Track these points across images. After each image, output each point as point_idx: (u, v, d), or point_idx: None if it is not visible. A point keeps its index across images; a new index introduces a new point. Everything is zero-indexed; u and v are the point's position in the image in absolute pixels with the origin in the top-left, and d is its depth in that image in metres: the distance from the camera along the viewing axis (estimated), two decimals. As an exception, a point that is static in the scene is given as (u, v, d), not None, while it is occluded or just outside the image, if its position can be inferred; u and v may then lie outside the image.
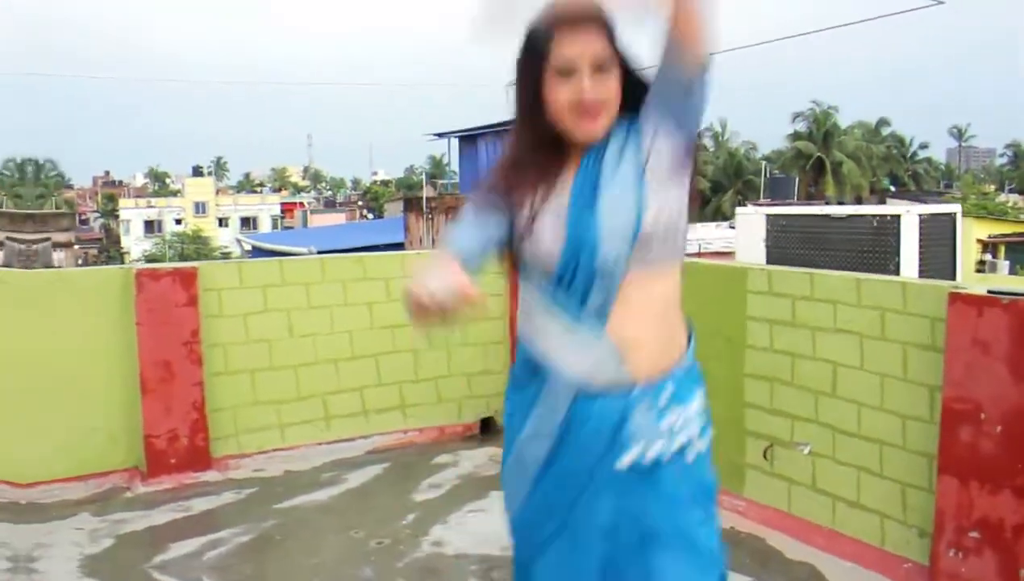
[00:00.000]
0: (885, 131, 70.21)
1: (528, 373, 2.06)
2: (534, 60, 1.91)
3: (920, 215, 6.53)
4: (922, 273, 6.48)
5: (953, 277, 6.89)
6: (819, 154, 56.38)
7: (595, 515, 1.95)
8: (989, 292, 3.26)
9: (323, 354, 5.41)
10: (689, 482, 1.96)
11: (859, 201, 54.32)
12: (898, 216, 6.52)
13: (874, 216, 6.79)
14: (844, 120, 61.90)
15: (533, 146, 1.99)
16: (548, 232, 1.94)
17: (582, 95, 1.87)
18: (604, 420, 1.94)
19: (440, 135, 22.89)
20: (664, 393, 1.94)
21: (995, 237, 34.75)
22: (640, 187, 1.90)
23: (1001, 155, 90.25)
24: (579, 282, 1.92)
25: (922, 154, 75.70)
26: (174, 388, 4.94)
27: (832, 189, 55.30)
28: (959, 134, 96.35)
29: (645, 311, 1.94)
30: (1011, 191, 69.84)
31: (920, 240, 6.45)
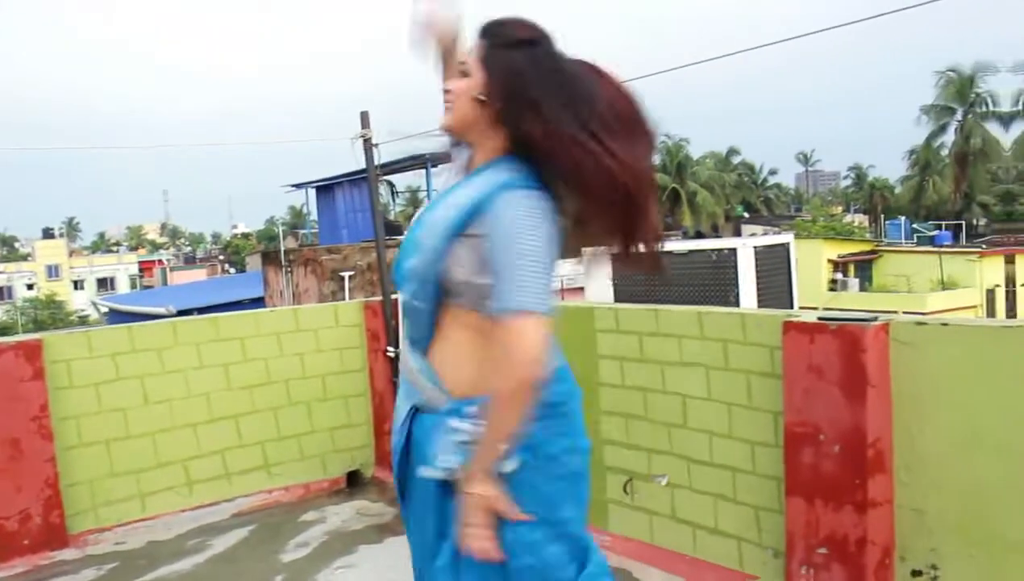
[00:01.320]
0: (735, 160, 73.09)
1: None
2: None
3: (755, 247, 6.84)
4: (761, 303, 6.77)
5: (791, 305, 7.22)
6: (674, 185, 58.21)
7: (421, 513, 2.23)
8: (819, 319, 3.44)
9: (180, 419, 5.27)
10: None
11: (715, 229, 56.28)
12: (735, 249, 6.81)
13: (712, 251, 7.06)
14: (695, 151, 64.18)
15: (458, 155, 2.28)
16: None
17: (443, 90, 2.15)
18: (423, 431, 2.15)
19: (297, 186, 22.63)
20: (468, 410, 2.05)
21: (844, 257, 36.48)
22: (449, 236, 2.05)
23: (845, 177, 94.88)
24: (404, 305, 2.21)
25: (772, 180, 79.07)
26: (24, 466, 4.71)
27: (689, 218, 57.13)
28: (805, 160, 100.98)
29: (460, 340, 2.10)
30: (856, 211, 73.47)
31: (756, 271, 6.75)
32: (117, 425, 5.06)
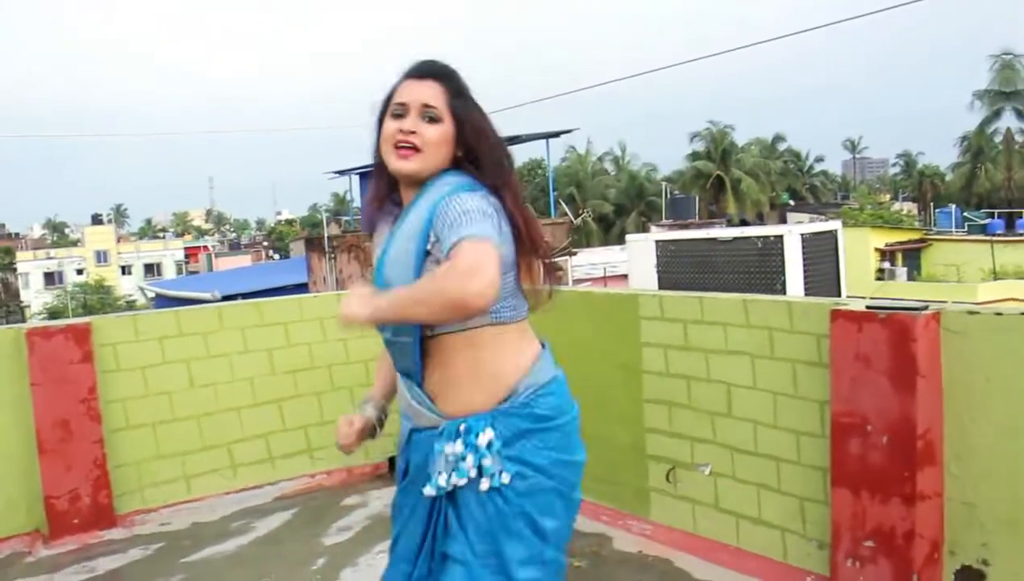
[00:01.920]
0: (781, 146, 72.19)
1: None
2: (382, 105, 2.19)
3: (802, 234, 6.73)
4: (808, 290, 6.66)
5: (838, 292, 7.11)
6: (718, 173, 57.63)
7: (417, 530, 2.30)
8: (867, 307, 3.38)
9: (225, 402, 5.32)
10: (488, 512, 2.11)
11: (760, 217, 55.70)
12: (781, 237, 6.71)
13: (758, 238, 6.96)
14: (740, 138, 63.52)
15: (380, 190, 2.28)
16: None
17: (399, 129, 2.12)
18: (421, 451, 2.25)
19: (340, 172, 22.74)
20: (459, 427, 2.12)
21: (892, 245, 35.93)
22: (418, 260, 2.11)
23: (893, 165, 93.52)
24: (386, 342, 2.29)
25: (818, 167, 77.99)
26: (73, 447, 4.79)
27: (733, 206, 56.55)
28: (852, 147, 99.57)
29: (450, 364, 2.17)
30: (905, 199, 72.40)
31: (804, 258, 6.64)
32: (163, 408, 5.13)
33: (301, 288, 15.97)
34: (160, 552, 4.64)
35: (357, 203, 23.87)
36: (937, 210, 53.59)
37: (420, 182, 2.17)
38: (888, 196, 75.67)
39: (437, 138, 2.13)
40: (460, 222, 1.96)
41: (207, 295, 17.85)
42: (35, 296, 62.21)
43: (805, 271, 6.66)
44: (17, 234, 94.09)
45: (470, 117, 2.17)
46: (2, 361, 4.72)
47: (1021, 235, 38.33)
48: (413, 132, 2.12)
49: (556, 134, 19.97)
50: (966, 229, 44.38)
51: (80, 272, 65.02)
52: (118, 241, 73.87)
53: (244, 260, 57.41)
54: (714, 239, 7.30)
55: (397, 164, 2.14)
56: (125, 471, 5.00)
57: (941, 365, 3.27)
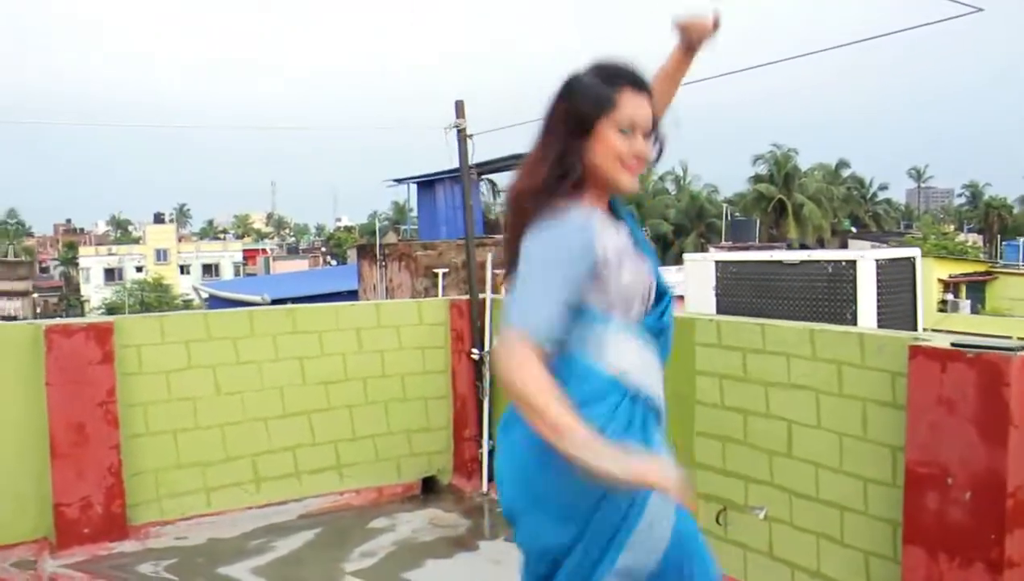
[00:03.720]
0: (845, 173, 70.91)
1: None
2: (595, 110, 2.03)
3: (877, 260, 6.29)
4: (881, 322, 6.22)
5: (914, 325, 6.66)
6: (780, 196, 56.72)
7: None
8: (953, 345, 3.00)
9: (252, 412, 5.07)
10: None
11: (821, 243, 54.74)
12: (854, 262, 6.26)
13: (828, 262, 6.52)
14: (804, 162, 62.47)
15: (569, 172, 2.07)
16: (644, 268, 2.14)
17: (637, 151, 2.06)
18: None
19: (399, 181, 22.56)
20: None
21: (956, 277, 34.98)
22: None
23: (959, 195, 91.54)
24: (662, 330, 2.17)
25: (882, 195, 76.52)
26: (88, 452, 4.56)
27: (794, 231, 55.60)
28: (918, 175, 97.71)
29: None
30: (970, 231, 70.73)
31: (878, 287, 6.20)
32: (186, 415, 4.89)
33: (352, 295, 15.82)
34: (171, 569, 4.39)
35: (415, 212, 23.71)
36: (1004, 243, 52.16)
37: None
38: (952, 226, 74.01)
39: (645, 154, 2.12)
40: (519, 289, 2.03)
41: (257, 298, 17.79)
42: (95, 291, 63.07)
43: (879, 301, 6.21)
44: (82, 230, 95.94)
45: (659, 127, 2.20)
46: (20, 358, 4.52)
47: (1092, 272, 37.10)
48: (643, 156, 2.09)
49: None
50: (1033, 263, 43.10)
51: (140, 269, 65.87)
52: (179, 240, 74.75)
53: (301, 264, 57.73)
54: (779, 262, 6.88)
55: (630, 184, 2.10)
56: (142, 479, 4.76)
57: (1036, 414, 2.88)
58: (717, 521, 4.01)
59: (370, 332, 5.45)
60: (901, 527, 3.21)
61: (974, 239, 62.94)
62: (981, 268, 37.12)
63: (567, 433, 1.79)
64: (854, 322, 6.13)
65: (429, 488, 5.60)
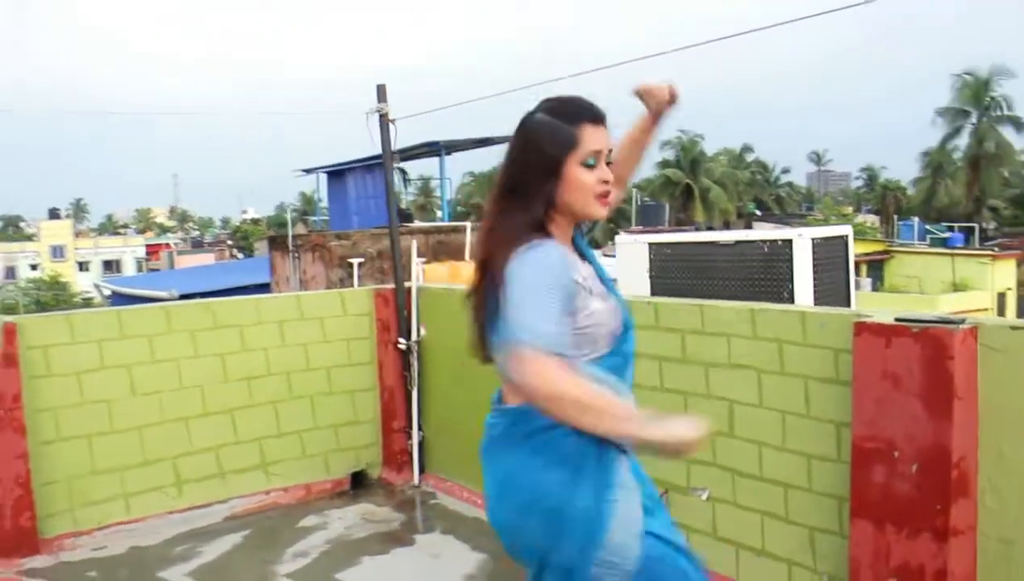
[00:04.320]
0: (749, 157, 72.40)
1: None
2: (561, 151, 2.11)
3: (813, 239, 6.34)
4: (818, 300, 6.27)
5: (848, 302, 6.75)
6: (688, 181, 57.60)
7: None
8: (897, 320, 3.00)
9: (171, 412, 4.85)
10: None
11: (727, 225, 55.72)
12: (790, 241, 6.29)
13: (764, 242, 6.54)
14: (710, 148, 63.52)
15: (537, 218, 2.14)
16: (610, 303, 2.21)
17: (604, 177, 2.15)
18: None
19: (308, 171, 22.14)
20: None
21: (857, 256, 35.92)
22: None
23: (857, 178, 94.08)
24: (627, 358, 2.24)
25: (784, 179, 78.30)
26: (-8, 462, 4.30)
27: (701, 215, 56.55)
28: (818, 159, 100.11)
29: None
30: (868, 212, 72.80)
31: (814, 265, 6.25)
32: (100, 418, 4.65)
33: (263, 288, 15.41)
34: (91, 582, 4.16)
35: (325, 202, 23.32)
36: (900, 223, 53.86)
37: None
38: (851, 208, 76.05)
39: (610, 177, 2.20)
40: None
41: (164, 294, 17.26)
42: (-15, 292, 60.65)
43: (815, 279, 6.26)
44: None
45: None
46: (-83, 363, 4.22)
47: (982, 249, 38.55)
48: (610, 180, 2.17)
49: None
50: (928, 242, 44.59)
51: (34, 267, 63.47)
52: (76, 236, 72.30)
53: (207, 259, 56.26)
54: (715, 242, 6.88)
55: (602, 212, 2.19)
56: (54, 489, 4.51)
57: (978, 386, 2.90)
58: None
59: (293, 325, 5.27)
60: (847, 502, 3.20)
61: (872, 220, 64.76)
62: (880, 247, 38.23)
63: (612, 411, 1.90)
64: (791, 300, 6.17)
65: (358, 483, 5.45)
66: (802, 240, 6.31)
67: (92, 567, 4.29)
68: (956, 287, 32.53)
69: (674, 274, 6.93)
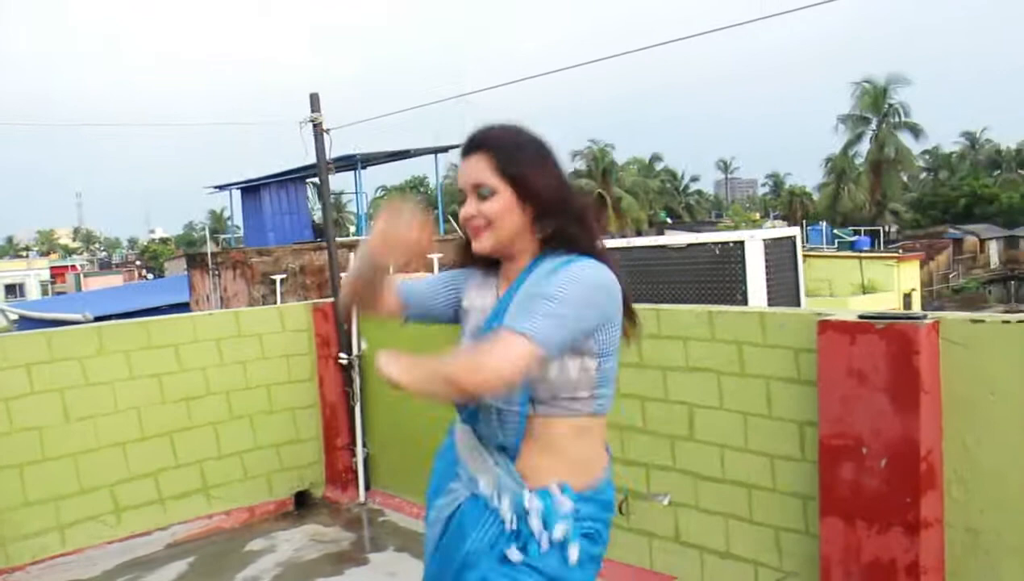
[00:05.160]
0: (658, 166, 73.50)
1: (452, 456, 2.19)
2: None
3: (764, 240, 6.39)
4: (771, 301, 6.33)
5: (798, 302, 6.83)
6: (600, 190, 58.16)
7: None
8: (861, 317, 3.02)
9: (107, 437, 4.66)
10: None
11: (639, 234, 56.43)
12: (742, 242, 6.35)
13: (715, 244, 6.58)
14: (620, 157, 64.28)
15: (470, 258, 2.15)
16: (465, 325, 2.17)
17: (462, 215, 2.06)
18: (471, 515, 2.08)
19: (221, 187, 21.74)
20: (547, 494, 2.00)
21: (768, 261, 36.68)
22: None
23: (763, 185, 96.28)
24: (485, 409, 2.03)
25: (693, 187, 79.74)
26: (-83, 496, 4.07)
27: (614, 224, 57.13)
28: (725, 167, 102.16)
29: (548, 445, 2.01)
30: (776, 217, 74.52)
31: (767, 266, 6.31)
32: (31, 446, 4.45)
33: (182, 308, 14.99)
34: (30, 617, 3.96)
35: (237, 219, 22.90)
36: (808, 227, 55.27)
37: (513, 255, 2.07)
38: (759, 214, 77.72)
39: (497, 211, 2.01)
40: (529, 308, 1.85)
41: (78, 316, 16.67)
42: None
43: (768, 280, 6.31)
44: None
45: (525, 176, 2.02)
46: None
47: (887, 252, 39.78)
48: (473, 216, 2.04)
49: (445, 149, 19.48)
50: (836, 246, 45.82)
51: (-69, 295, 60.91)
52: (-26, 262, 69.69)
53: (116, 280, 54.70)
54: (664, 246, 6.89)
55: (475, 246, 2.07)
56: (-15, 522, 4.28)
57: (940, 380, 2.94)
58: (620, 511, 3.94)
59: (231, 342, 5.12)
60: (814, 500, 3.23)
61: (780, 225, 66.27)
62: (788, 251, 39.10)
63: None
64: (745, 302, 6.22)
65: (302, 503, 5.32)
66: (754, 242, 6.37)
67: (30, 604, 4.09)
68: (865, 289, 33.48)
69: (623, 279, 6.84)
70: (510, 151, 2.03)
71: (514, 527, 2.00)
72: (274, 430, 5.25)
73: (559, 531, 1.97)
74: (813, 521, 3.26)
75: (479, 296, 2.16)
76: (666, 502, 3.79)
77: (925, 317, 2.95)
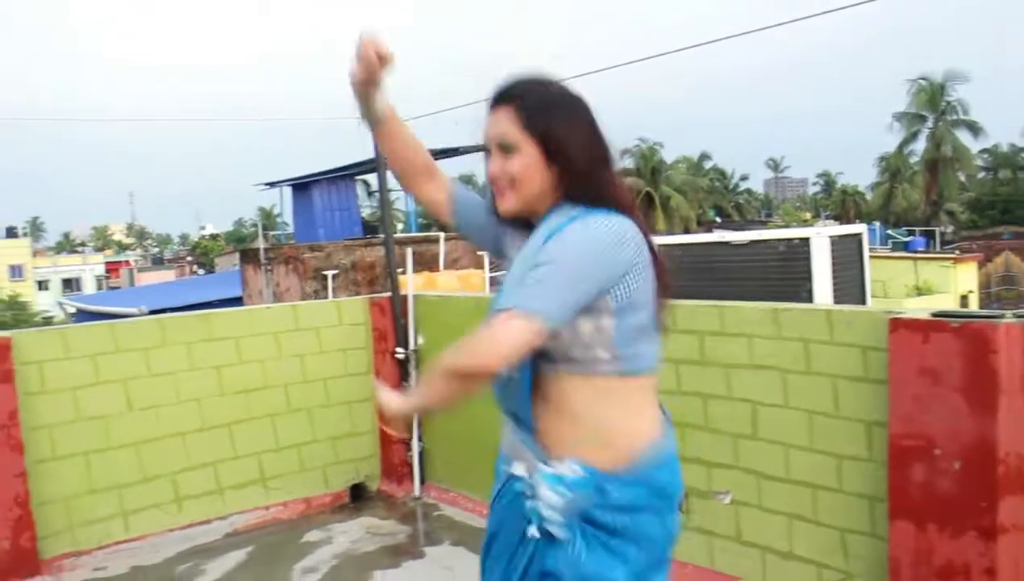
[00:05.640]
0: (707, 165, 72.95)
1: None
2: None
3: (831, 237, 6.29)
4: (837, 299, 6.24)
5: (863, 300, 6.72)
6: (648, 189, 57.85)
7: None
8: (934, 315, 2.96)
9: (168, 427, 4.72)
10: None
11: (687, 232, 56.06)
12: (807, 240, 6.25)
13: (780, 241, 6.49)
14: (669, 156, 63.92)
15: (506, 222, 2.05)
16: None
17: (488, 171, 1.95)
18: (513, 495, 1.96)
19: (271, 184, 21.94)
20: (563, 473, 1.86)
21: (820, 261, 36.18)
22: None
23: (814, 184, 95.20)
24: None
25: (743, 186, 79.03)
26: (-11, 482, 4.14)
27: (663, 222, 56.79)
28: (775, 166, 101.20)
29: (557, 409, 1.89)
30: (827, 217, 73.66)
31: (832, 263, 6.20)
32: (97, 435, 4.51)
33: (235, 302, 15.14)
34: (95, 602, 4.02)
35: (287, 216, 23.10)
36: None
37: (540, 215, 1.95)
38: (810, 214, 76.86)
39: (520, 169, 1.90)
40: (521, 281, 1.78)
41: (133, 310, 16.93)
42: (-57, 313, 59.37)
43: (834, 277, 6.20)
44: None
45: (552, 133, 1.89)
46: (-92, 382, 4.06)
47: (943, 253, 39.05)
48: (496, 173, 1.94)
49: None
50: (889, 246, 45.13)
51: (-8, 287, 62.27)
52: (34, 255, 71.07)
53: (168, 275, 55.65)
54: (727, 243, 6.82)
55: (500, 205, 1.96)
56: (52, 508, 4.35)
57: (1020, 380, 2.86)
58: (680, 509, 3.89)
59: (289, 336, 5.15)
60: (882, 502, 3.16)
61: (832, 225, 65.44)
62: (842, 251, 38.56)
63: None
64: (809, 300, 6.13)
65: (357, 496, 5.34)
66: (820, 238, 6.28)
67: (94, 589, 4.15)
68: (920, 291, 32.86)
69: (685, 276, 6.82)
70: (538, 105, 1.90)
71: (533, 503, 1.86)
72: (331, 423, 5.27)
73: (551, 519, 1.83)
74: (881, 523, 3.19)
75: (513, 251, 2.05)
76: (728, 500, 3.74)
77: (1003, 316, 2.87)
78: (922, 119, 56.20)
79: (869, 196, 68.08)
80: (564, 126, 1.89)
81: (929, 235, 48.73)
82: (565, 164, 1.88)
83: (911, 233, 49.03)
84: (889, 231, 51.40)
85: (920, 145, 57.59)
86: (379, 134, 2.15)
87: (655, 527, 1.94)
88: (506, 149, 1.90)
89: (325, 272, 13.03)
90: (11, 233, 78.04)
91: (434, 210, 2.22)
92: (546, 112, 1.89)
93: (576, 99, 1.95)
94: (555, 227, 1.84)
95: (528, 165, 1.89)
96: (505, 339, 1.69)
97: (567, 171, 1.89)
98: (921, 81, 55.42)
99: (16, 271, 64.73)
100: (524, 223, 2.00)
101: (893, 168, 60.53)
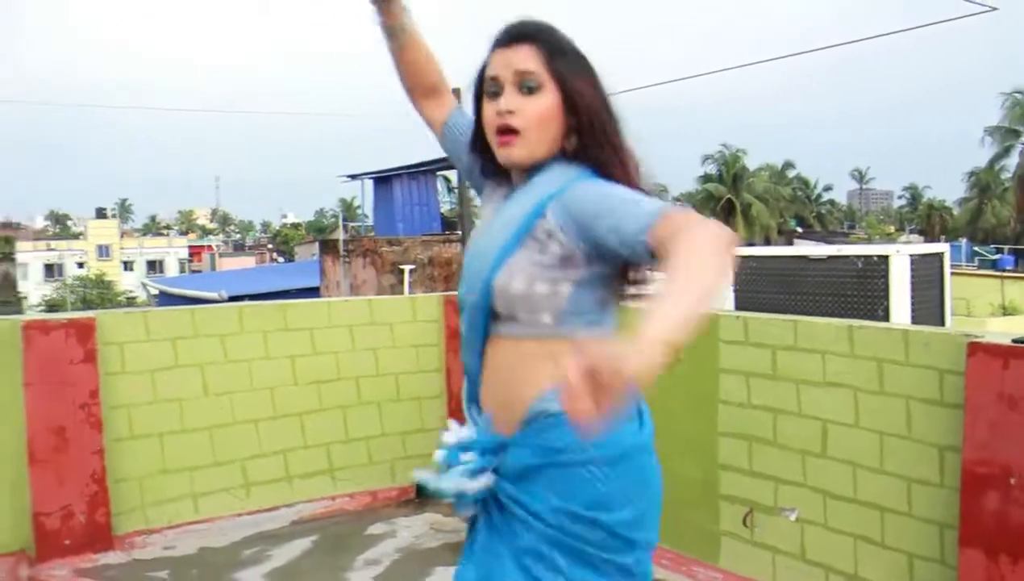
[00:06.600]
0: (791, 173, 71.86)
1: None
2: (475, 85, 1.83)
3: (911, 255, 6.17)
4: (915, 319, 6.12)
5: (943, 322, 6.59)
6: (729, 196, 57.22)
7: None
8: (1015, 342, 2.88)
9: (241, 414, 4.82)
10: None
11: (767, 242, 55.32)
12: (886, 257, 6.14)
13: (858, 257, 6.37)
14: (751, 163, 63.09)
15: (485, 170, 1.94)
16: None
17: (496, 110, 1.76)
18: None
19: (353, 176, 22.28)
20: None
21: (902, 277, 35.37)
22: (507, 246, 1.75)
23: (899, 197, 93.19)
24: (467, 323, 1.89)
25: (826, 196, 77.70)
26: (69, 457, 4.27)
27: (743, 230, 56.13)
28: (860, 177, 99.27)
29: (499, 375, 1.83)
30: (912, 232, 72.03)
31: (912, 283, 6.08)
32: (172, 417, 4.63)
33: (312, 292, 15.43)
34: (163, 581, 4.13)
35: (367, 208, 23.40)
36: (948, 244, 53.15)
37: (531, 168, 1.79)
38: (894, 228, 75.25)
39: (540, 112, 1.74)
40: (635, 201, 1.60)
41: (213, 294, 17.35)
42: (34, 288, 61.40)
43: (913, 297, 6.08)
44: (19, 225, 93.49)
45: (576, 82, 1.76)
46: (-4, 356, 4.21)
47: (1033, 271, 37.87)
48: (511, 111, 1.74)
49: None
50: (976, 264, 43.95)
51: (81, 265, 64.25)
52: (121, 236, 73.19)
53: (248, 262, 56.82)
54: (804, 257, 6.73)
55: (503, 153, 1.78)
56: (126, 486, 4.49)
57: (1100, 412, 2.78)
58: (744, 524, 3.87)
59: (363, 329, 5.22)
60: (952, 529, 3.09)
61: (916, 240, 64.00)
62: (926, 268, 37.65)
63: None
64: (886, 318, 6.02)
65: (424, 492, 5.36)
66: (900, 256, 6.16)
67: (164, 566, 4.26)
68: (1005, 310, 31.95)
69: (759, 288, 6.75)
70: (562, 50, 1.77)
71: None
72: (400, 418, 5.33)
73: (448, 481, 1.87)
74: (951, 551, 3.12)
75: (484, 209, 1.95)
76: (794, 517, 3.70)
77: (1087, 344, 2.79)
78: (1016, 134, 54.58)
79: (956, 211, 66.38)
80: (583, 76, 1.77)
81: (1018, 253, 47.33)
82: (579, 117, 1.75)
83: (999, 250, 47.67)
84: (976, 248, 50.02)
85: (1013, 160, 55.94)
86: (394, 45, 2.03)
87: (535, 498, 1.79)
88: (528, 88, 1.74)
89: (402, 266, 13.19)
90: (100, 214, 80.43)
91: (428, 126, 2.13)
92: (569, 58, 1.77)
93: (589, 58, 1.82)
94: (555, 190, 1.73)
95: (550, 107, 1.74)
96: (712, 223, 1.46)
97: (580, 125, 1.76)
98: (1016, 95, 53.83)
99: (104, 251, 66.78)
100: (504, 172, 1.87)
101: (983, 183, 58.93)
